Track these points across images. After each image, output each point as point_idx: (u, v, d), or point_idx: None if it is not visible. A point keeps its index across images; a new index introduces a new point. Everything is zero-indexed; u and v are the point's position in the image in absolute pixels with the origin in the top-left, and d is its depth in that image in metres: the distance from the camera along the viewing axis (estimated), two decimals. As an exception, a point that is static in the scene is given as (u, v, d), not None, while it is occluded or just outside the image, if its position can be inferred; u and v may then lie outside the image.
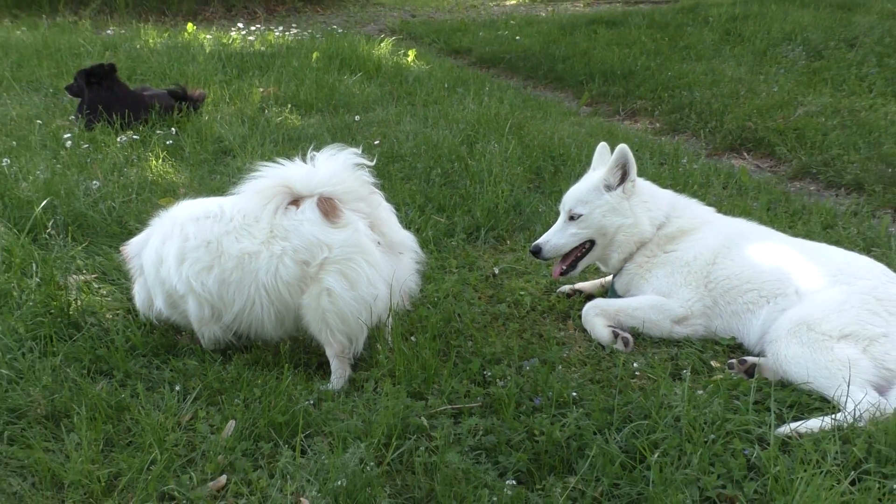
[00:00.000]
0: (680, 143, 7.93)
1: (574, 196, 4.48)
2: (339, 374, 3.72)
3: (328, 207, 3.62)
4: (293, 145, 7.07)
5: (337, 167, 3.69)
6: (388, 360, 3.69)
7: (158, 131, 7.40)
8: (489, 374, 3.65)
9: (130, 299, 4.28)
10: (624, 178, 4.41)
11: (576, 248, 4.50)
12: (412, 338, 3.88)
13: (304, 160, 3.73)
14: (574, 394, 3.44)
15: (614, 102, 9.96)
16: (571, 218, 4.45)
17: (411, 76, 10.57)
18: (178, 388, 3.55)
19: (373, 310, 3.63)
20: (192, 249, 3.71)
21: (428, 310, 4.19)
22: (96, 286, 4.47)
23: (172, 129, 7.49)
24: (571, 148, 7.06)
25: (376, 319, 3.71)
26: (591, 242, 4.48)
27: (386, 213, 3.90)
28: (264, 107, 8.62)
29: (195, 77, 9.71)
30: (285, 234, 3.60)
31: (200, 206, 3.92)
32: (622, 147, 4.37)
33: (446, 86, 9.99)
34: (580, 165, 6.54)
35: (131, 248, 4.08)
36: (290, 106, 8.69)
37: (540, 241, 4.50)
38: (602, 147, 4.65)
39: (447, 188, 6.07)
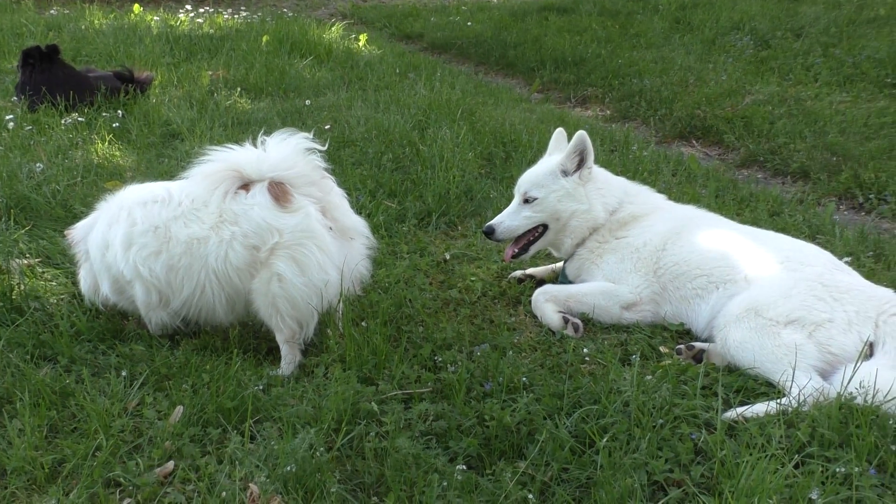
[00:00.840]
0: (630, 131, 7.99)
1: (530, 179, 4.49)
2: (289, 359, 3.70)
3: (279, 192, 3.59)
4: (243, 129, 7.00)
5: (288, 151, 3.65)
6: (339, 346, 3.67)
7: (105, 114, 7.27)
8: (440, 359, 3.64)
9: (76, 283, 4.21)
10: (581, 164, 4.43)
11: (528, 231, 4.51)
12: (363, 323, 3.86)
13: (254, 144, 3.68)
14: (524, 379, 3.45)
15: (565, 89, 10.01)
16: (526, 201, 4.46)
17: (362, 61, 10.52)
18: (124, 373, 3.49)
19: (323, 295, 3.63)
20: (140, 234, 3.66)
21: (379, 295, 4.17)
22: (40, 270, 4.39)
23: (119, 111, 7.37)
24: (523, 134, 7.07)
25: (327, 305, 3.71)
26: (544, 227, 4.50)
27: (337, 198, 3.87)
28: (213, 90, 8.52)
29: (142, 59, 9.56)
30: (235, 219, 3.57)
31: (148, 190, 3.85)
32: (581, 133, 4.39)
33: (398, 71, 9.95)
34: (531, 151, 6.57)
35: (77, 232, 4.01)
36: (239, 89, 8.61)
37: (493, 222, 4.51)
38: (559, 133, 4.67)
39: (398, 173, 6.05)
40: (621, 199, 4.46)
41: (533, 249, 4.54)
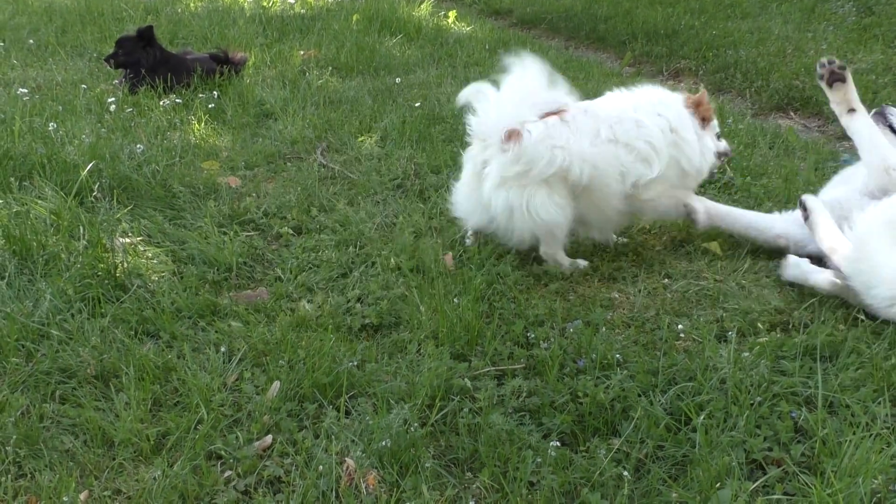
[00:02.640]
0: (725, 103, 7.80)
1: None
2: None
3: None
4: (335, 108, 7.07)
5: None
6: (431, 322, 3.70)
7: (201, 95, 7.41)
8: (532, 335, 3.63)
9: (177, 261, 4.34)
10: None
11: None
12: (455, 299, 3.87)
13: None
14: (618, 356, 3.42)
15: (658, 62, 9.81)
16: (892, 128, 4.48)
17: (451, 38, 10.49)
18: (223, 349, 3.57)
19: None
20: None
21: (471, 271, 4.17)
22: (142, 248, 4.51)
23: (214, 92, 7.50)
24: (615, 108, 6.95)
25: None
26: None
27: None
28: (305, 70, 8.60)
29: (236, 40, 9.70)
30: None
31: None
32: None
33: (487, 47, 9.89)
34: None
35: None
36: (330, 68, 8.67)
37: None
38: None
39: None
40: None
41: None
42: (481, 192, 4.18)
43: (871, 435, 2.79)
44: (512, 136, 4.02)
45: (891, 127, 4.38)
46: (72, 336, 3.64)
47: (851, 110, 4.34)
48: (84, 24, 10.72)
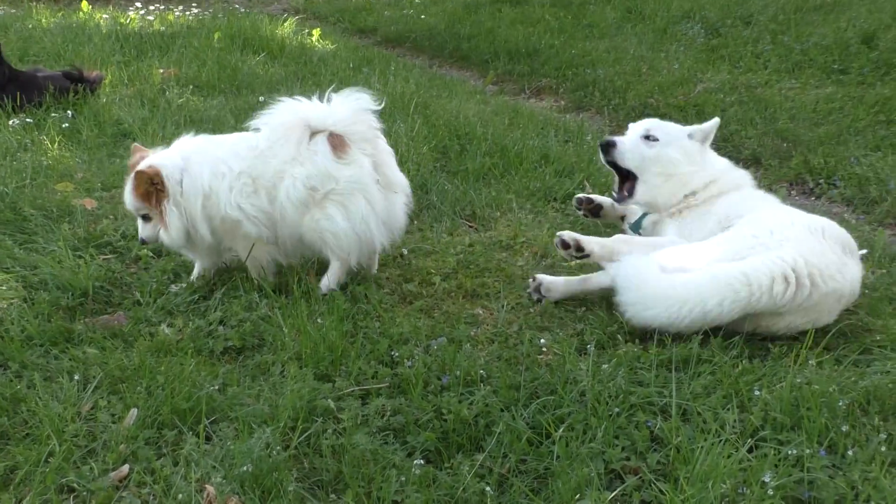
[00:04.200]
0: (584, 121, 8.05)
1: (655, 122, 4.71)
2: (332, 279, 4.26)
3: (337, 143, 4.06)
4: (196, 127, 6.93)
5: (352, 108, 4.11)
6: (295, 343, 3.66)
7: (53, 114, 7.16)
8: (397, 354, 3.63)
9: (27, 286, 4.17)
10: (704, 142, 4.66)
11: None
12: (319, 319, 3.84)
13: (320, 99, 4.13)
14: (481, 371, 3.46)
15: (520, 81, 10.04)
16: (647, 137, 4.60)
17: (316, 56, 10.47)
18: (77, 377, 3.44)
19: (362, 242, 4.15)
20: (237, 178, 4.13)
21: (334, 291, 4.15)
22: (-11, 275, 4.32)
23: (69, 111, 7.26)
24: (477, 126, 7.08)
25: (366, 254, 4.29)
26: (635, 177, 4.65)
27: (386, 155, 4.33)
28: (165, 88, 8.42)
29: (92, 58, 9.41)
30: (303, 161, 4.05)
31: (234, 141, 4.30)
32: (716, 119, 4.67)
33: (352, 65, 9.91)
34: (486, 144, 6.58)
35: (166, 170, 4.08)
36: (191, 87, 8.51)
37: (616, 138, 4.67)
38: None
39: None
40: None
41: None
42: None
43: (720, 440, 2.90)
44: None
45: (612, 163, 4.70)
46: (-89, 369, 3.45)
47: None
48: (-74, 39, 10.21)
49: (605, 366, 3.48)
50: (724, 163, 4.71)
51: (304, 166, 4.04)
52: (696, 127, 4.66)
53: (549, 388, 3.33)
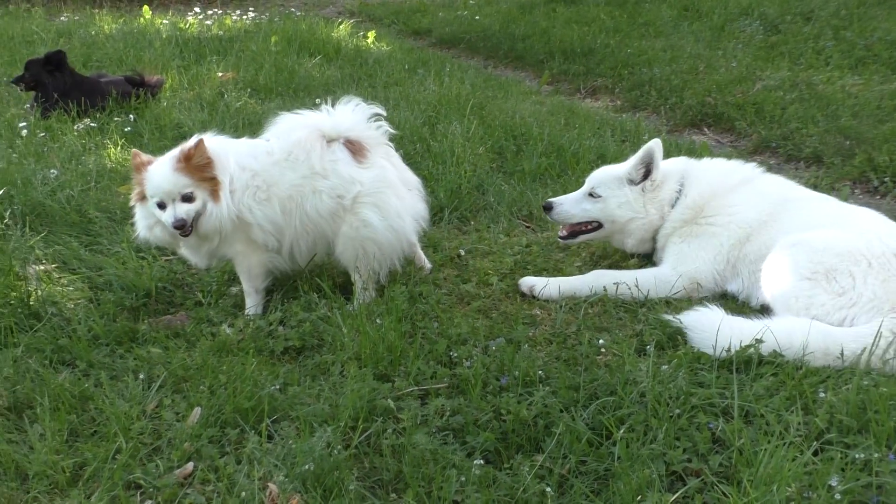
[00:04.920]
0: (641, 120, 7.97)
1: (599, 177, 4.71)
2: (364, 296, 4.24)
3: (355, 148, 4.12)
4: (254, 130, 7.01)
5: (362, 115, 4.19)
6: (354, 343, 3.68)
7: (116, 118, 7.30)
8: (455, 354, 3.64)
9: (93, 287, 4.26)
10: (647, 175, 4.57)
11: (583, 222, 4.73)
12: (378, 320, 3.86)
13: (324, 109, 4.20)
14: (540, 372, 3.45)
15: (575, 81, 9.98)
16: (591, 195, 4.67)
17: (371, 58, 10.52)
18: (142, 376, 3.51)
19: (401, 238, 4.19)
20: (251, 180, 4.09)
21: (394, 291, 4.17)
22: (56, 276, 4.41)
23: (130, 115, 7.39)
24: (533, 127, 7.07)
25: (401, 250, 4.27)
26: (599, 224, 4.70)
27: (397, 158, 4.42)
28: (223, 92, 8.53)
29: (152, 63, 9.57)
30: (325, 173, 4.06)
31: (253, 145, 4.25)
32: (650, 144, 4.55)
33: (407, 67, 9.94)
34: (542, 144, 6.56)
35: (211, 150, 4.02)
36: (249, 90, 8.61)
37: (554, 200, 4.80)
38: (653, 141, 4.63)
39: (410, 168, 6.03)
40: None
41: (581, 238, 4.78)
42: None
43: (784, 443, 2.86)
44: None
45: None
46: (-17, 367, 3.54)
47: None
48: (-7, 47, 10.48)
49: (664, 367, 3.45)
50: (681, 170, 4.66)
51: (327, 178, 4.06)
52: (628, 165, 4.64)
53: (609, 388, 3.31)
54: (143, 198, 4.02)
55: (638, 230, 4.61)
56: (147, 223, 4.05)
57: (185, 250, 4.20)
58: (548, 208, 4.77)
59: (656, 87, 8.88)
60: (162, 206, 3.93)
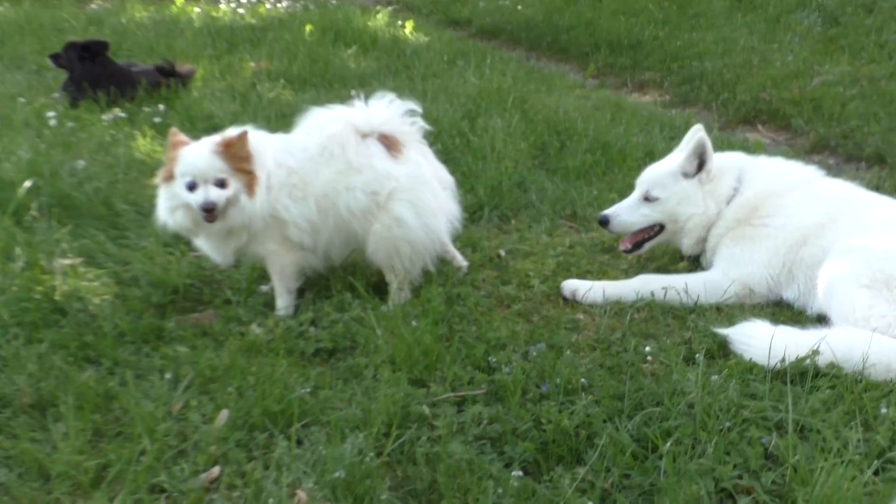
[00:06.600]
0: (691, 116, 7.89)
1: (653, 177, 4.62)
2: (400, 296, 4.25)
3: (390, 143, 4.13)
4: (287, 122, 7.02)
5: (397, 109, 4.20)
6: (388, 346, 3.67)
7: (146, 108, 7.35)
8: (494, 359, 3.61)
9: (119, 283, 4.28)
10: (701, 166, 4.50)
11: (645, 228, 4.65)
12: (413, 322, 3.84)
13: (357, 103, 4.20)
14: (583, 380, 3.41)
15: (622, 74, 9.91)
16: (646, 199, 4.58)
17: (409, 49, 10.52)
18: (168, 376, 3.52)
19: (434, 238, 4.18)
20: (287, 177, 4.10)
21: (430, 292, 4.15)
22: (83, 270, 4.44)
23: (161, 106, 7.44)
24: (577, 122, 7.02)
25: (437, 248, 4.28)
26: (661, 226, 4.62)
27: (431, 154, 4.43)
28: (256, 82, 8.57)
29: (184, 52, 9.65)
30: (360, 168, 4.05)
31: (288, 140, 4.26)
32: (700, 135, 4.49)
33: (446, 58, 9.93)
34: (587, 140, 6.52)
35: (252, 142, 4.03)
36: (282, 81, 8.64)
37: (609, 212, 4.67)
38: (696, 129, 4.66)
39: (448, 165, 5.95)
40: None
41: (647, 247, 4.68)
42: None
43: (842, 461, 2.80)
44: None
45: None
46: (7, 363, 3.57)
47: None
48: (23, 35, 10.60)
49: (714, 377, 3.39)
50: (738, 166, 4.62)
51: (361, 174, 4.05)
52: (682, 158, 4.58)
53: (655, 399, 3.26)
54: (170, 177, 3.95)
55: (696, 227, 4.53)
56: (170, 205, 3.98)
57: (205, 243, 4.14)
58: (604, 222, 4.66)
59: (707, 82, 8.79)
60: (192, 187, 3.88)
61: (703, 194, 4.50)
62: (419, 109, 4.28)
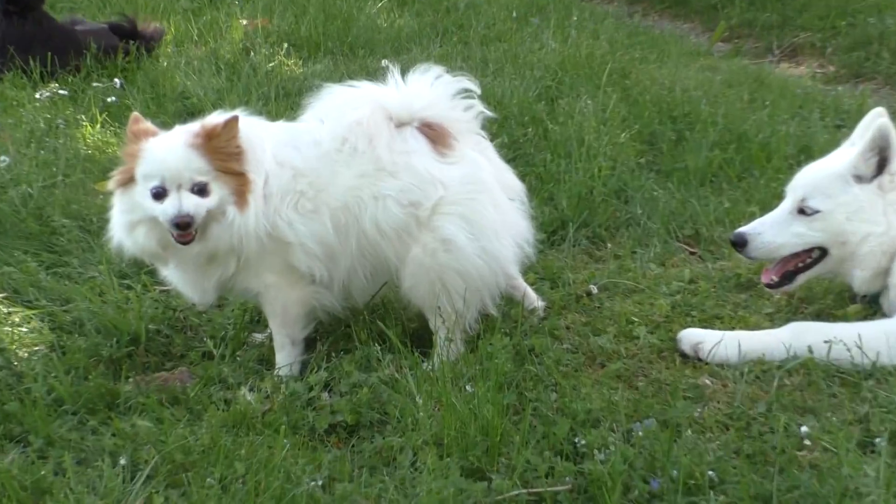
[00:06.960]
0: (866, 96, 7.84)
1: (811, 181, 4.53)
2: (449, 350, 4.16)
3: (436, 136, 4.10)
4: (292, 103, 7.08)
5: (445, 89, 4.20)
6: (433, 421, 3.66)
7: (96, 83, 7.44)
8: (582, 442, 3.59)
9: (57, 328, 4.31)
10: (883, 166, 4.39)
11: (799, 253, 4.56)
12: (468, 387, 3.83)
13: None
14: (711, 472, 3.38)
15: (764, 36, 9.91)
16: (802, 211, 4.48)
17: (462, 2, 10.57)
18: (123, 461, 3.52)
19: (496, 268, 4.12)
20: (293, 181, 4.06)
21: (492, 345, 4.14)
22: (4, 311, 4.48)
23: (116, 80, 7.52)
24: (701, 104, 7.02)
25: (500, 283, 4.24)
26: (822, 251, 4.52)
27: (493, 151, 4.44)
28: (249, 47, 8.64)
29: (149, 5, 9.76)
30: (394, 170, 4.02)
31: (294, 129, 4.29)
32: (882, 121, 4.35)
33: (514, 14, 9.97)
34: (715, 130, 6.49)
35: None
36: (286, 46, 8.71)
37: (748, 229, 4.58)
38: (875, 114, 4.56)
39: (518, 164, 6.03)
40: None
41: (801, 279, 4.60)
42: None
43: None
44: None
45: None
46: None
47: None
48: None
49: (903, 471, 3.35)
50: None
51: (395, 178, 4.03)
52: (854, 155, 4.45)
53: (817, 501, 3.22)
54: (129, 180, 3.91)
55: (874, 253, 4.41)
56: (128, 219, 3.95)
57: (177, 274, 4.13)
58: (739, 244, 4.58)
59: (889, 47, 8.74)
60: (160, 194, 3.83)
61: (884, 206, 4.40)
62: (476, 88, 4.25)
